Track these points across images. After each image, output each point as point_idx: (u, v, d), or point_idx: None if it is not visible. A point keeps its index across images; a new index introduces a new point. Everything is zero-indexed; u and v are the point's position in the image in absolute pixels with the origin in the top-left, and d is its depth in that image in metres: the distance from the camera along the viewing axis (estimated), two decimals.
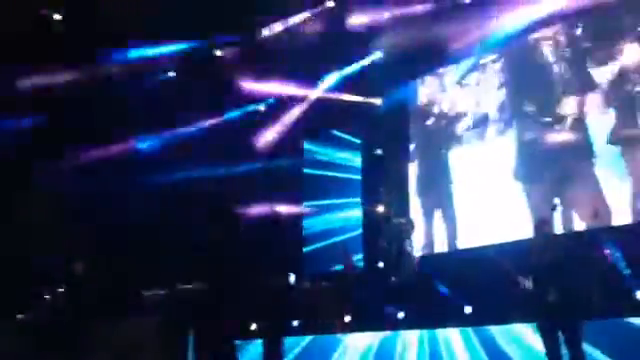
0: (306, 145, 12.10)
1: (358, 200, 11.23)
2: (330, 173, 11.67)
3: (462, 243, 9.66)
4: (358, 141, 11.44)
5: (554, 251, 6.14)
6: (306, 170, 12.00)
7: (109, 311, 6.84)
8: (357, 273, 10.19)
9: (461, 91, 10.09)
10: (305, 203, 11.81)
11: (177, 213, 9.49)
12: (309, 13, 9.69)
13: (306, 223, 11.80)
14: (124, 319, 6.81)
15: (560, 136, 8.60)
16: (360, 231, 11.01)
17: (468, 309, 8.53)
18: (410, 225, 9.53)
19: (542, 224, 6.50)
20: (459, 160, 9.87)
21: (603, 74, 8.25)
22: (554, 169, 8.63)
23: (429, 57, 9.88)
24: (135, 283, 7.56)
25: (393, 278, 9.40)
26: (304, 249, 11.62)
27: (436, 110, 10.39)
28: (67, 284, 7.03)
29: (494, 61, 9.70)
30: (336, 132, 11.72)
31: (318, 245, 11.44)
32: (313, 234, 11.64)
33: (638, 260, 7.09)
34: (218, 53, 10.24)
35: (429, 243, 9.98)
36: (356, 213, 11.18)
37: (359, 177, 11.38)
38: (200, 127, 10.92)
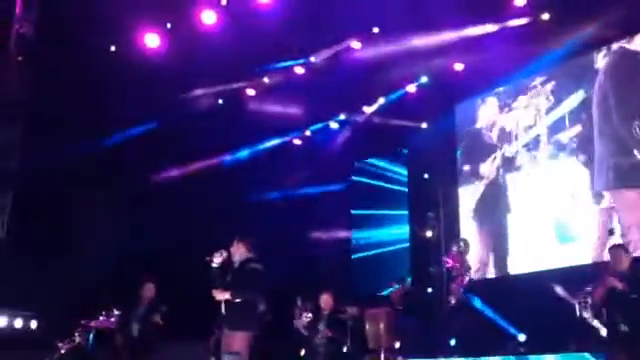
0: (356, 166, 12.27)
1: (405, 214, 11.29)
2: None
3: (514, 268, 9.49)
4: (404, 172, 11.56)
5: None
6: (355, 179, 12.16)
7: None
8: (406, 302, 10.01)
9: (511, 113, 10.00)
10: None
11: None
12: (354, 40, 9.70)
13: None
14: None
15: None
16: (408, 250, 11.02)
17: (522, 337, 8.31)
18: (466, 246, 9.24)
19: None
20: (513, 183, 9.75)
21: None
22: None
23: (476, 80, 9.83)
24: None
25: (445, 303, 9.21)
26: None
27: (488, 133, 10.30)
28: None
29: (543, 83, 9.58)
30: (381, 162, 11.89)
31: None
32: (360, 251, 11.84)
33: None
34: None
35: (482, 267, 9.82)
36: (404, 230, 11.27)
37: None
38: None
